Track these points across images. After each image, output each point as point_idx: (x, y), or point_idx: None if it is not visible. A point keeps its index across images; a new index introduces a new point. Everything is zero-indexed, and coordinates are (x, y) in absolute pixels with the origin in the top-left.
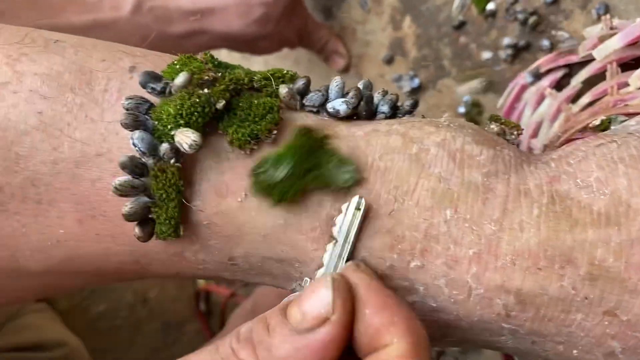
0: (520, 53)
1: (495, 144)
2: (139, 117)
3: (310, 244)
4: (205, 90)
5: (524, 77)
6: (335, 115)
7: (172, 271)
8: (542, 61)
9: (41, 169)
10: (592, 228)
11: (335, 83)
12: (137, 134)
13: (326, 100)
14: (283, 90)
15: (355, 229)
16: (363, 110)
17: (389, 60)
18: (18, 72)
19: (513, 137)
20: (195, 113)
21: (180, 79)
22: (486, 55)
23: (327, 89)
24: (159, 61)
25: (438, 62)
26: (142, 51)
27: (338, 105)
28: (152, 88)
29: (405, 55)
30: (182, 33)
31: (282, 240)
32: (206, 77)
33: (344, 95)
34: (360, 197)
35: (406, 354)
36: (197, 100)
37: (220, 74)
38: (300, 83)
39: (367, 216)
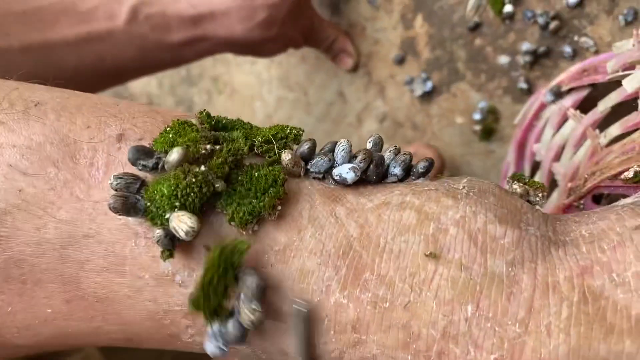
0: (539, 59)
1: (519, 218)
2: (129, 198)
3: (317, 337)
4: (202, 168)
5: (544, 94)
6: (342, 183)
7: (169, 348)
8: (564, 78)
9: (25, 250)
10: (629, 338)
11: (341, 147)
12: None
13: (332, 165)
14: (286, 157)
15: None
16: (373, 174)
17: (400, 61)
18: None
19: (538, 199)
20: (192, 194)
21: (174, 155)
22: (503, 59)
23: (332, 150)
24: (150, 125)
25: (452, 65)
26: (130, 111)
27: (345, 172)
28: (143, 165)
29: (417, 56)
30: (182, 41)
31: (288, 333)
32: (202, 151)
33: (351, 159)
34: (300, 306)
35: None
36: (194, 179)
37: (217, 146)
38: (304, 147)
39: (379, 306)
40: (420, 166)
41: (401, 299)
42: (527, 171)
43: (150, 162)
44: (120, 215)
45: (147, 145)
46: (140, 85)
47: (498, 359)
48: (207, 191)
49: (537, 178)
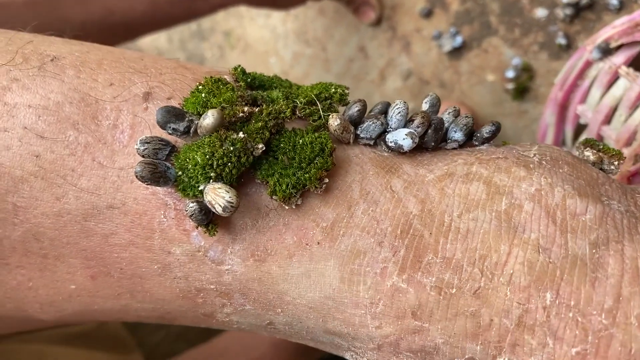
0: (581, 12)
1: (599, 191)
2: (158, 166)
3: (371, 320)
4: (240, 134)
5: (590, 51)
6: (397, 150)
7: (202, 325)
8: (614, 33)
9: (44, 222)
10: None
11: (397, 109)
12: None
13: (385, 130)
14: (334, 122)
15: None
16: (432, 140)
17: (428, 14)
18: (9, 104)
19: (613, 168)
20: (229, 164)
21: (209, 119)
22: (540, 12)
23: (384, 112)
24: (179, 83)
25: (484, 18)
26: (157, 67)
27: (401, 138)
28: (174, 129)
29: (446, 9)
30: None
31: (333, 314)
32: (240, 114)
33: (407, 123)
34: None
35: None
36: (232, 147)
37: (256, 108)
38: (354, 109)
39: (445, 292)
40: (486, 130)
41: (470, 284)
42: (569, 135)
43: (181, 126)
44: (147, 184)
45: (177, 106)
46: (149, 41)
47: (581, 353)
48: (246, 161)
49: None
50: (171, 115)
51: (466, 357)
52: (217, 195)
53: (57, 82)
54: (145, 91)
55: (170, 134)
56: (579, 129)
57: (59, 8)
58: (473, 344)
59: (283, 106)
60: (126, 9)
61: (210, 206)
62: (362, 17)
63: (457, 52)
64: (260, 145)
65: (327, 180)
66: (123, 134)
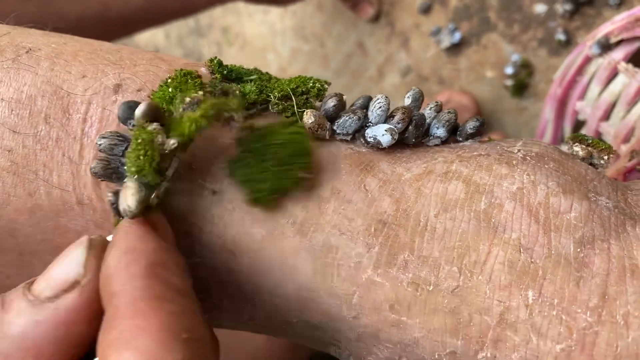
0: (581, 8)
1: (586, 187)
2: (110, 162)
3: (347, 310)
4: (153, 126)
5: (589, 46)
6: (376, 146)
7: None
8: (614, 29)
9: (17, 219)
10: None
11: (378, 104)
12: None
13: (363, 124)
14: (309, 119)
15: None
16: (412, 136)
17: (426, 10)
18: None
19: (602, 162)
20: (140, 157)
21: (138, 110)
22: (540, 8)
23: (363, 107)
24: (152, 75)
25: (482, 14)
26: (132, 58)
27: (380, 134)
28: (134, 125)
29: (445, 5)
30: None
31: (309, 305)
32: (188, 99)
33: (387, 118)
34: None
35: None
36: (139, 140)
37: (218, 92)
38: (329, 105)
39: (422, 288)
40: (470, 126)
41: (448, 282)
42: (567, 131)
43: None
44: (101, 180)
45: (139, 101)
46: (147, 37)
47: (565, 350)
48: (153, 155)
49: None
50: (132, 111)
51: (447, 351)
52: (124, 195)
53: (30, 74)
54: (116, 83)
55: (130, 129)
56: (578, 125)
57: (55, 3)
58: (454, 339)
59: (231, 101)
60: (122, 4)
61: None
62: (360, 13)
63: (455, 48)
64: (172, 141)
65: (306, 180)
66: (92, 127)
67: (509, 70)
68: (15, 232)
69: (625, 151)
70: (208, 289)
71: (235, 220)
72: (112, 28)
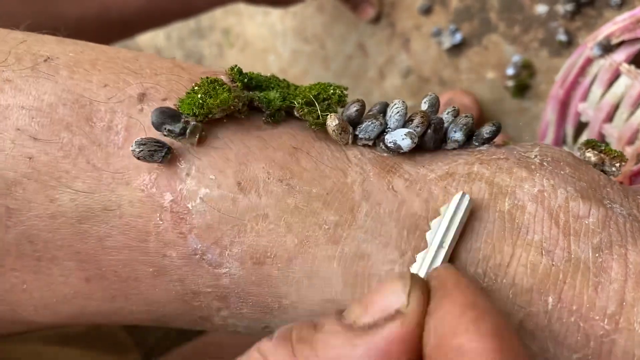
0: (582, 8)
1: (601, 193)
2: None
3: None
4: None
5: (591, 47)
6: (396, 151)
7: (199, 328)
8: (616, 30)
9: (37, 224)
10: None
11: (395, 109)
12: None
13: (384, 130)
14: (332, 122)
15: (454, 231)
16: (431, 140)
17: (427, 11)
18: (1, 105)
19: (614, 169)
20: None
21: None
22: (541, 8)
23: (382, 112)
24: (175, 84)
25: (483, 15)
26: (152, 67)
27: (400, 139)
28: (169, 130)
29: (446, 5)
30: None
31: None
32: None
33: (405, 123)
34: (464, 194)
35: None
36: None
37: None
38: (352, 109)
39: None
40: (486, 130)
41: None
42: (569, 133)
43: (176, 127)
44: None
45: (173, 107)
46: (147, 38)
47: (582, 359)
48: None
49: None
50: (166, 117)
51: None
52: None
53: (50, 83)
54: (140, 92)
55: (165, 135)
56: (580, 127)
57: (54, 4)
58: None
59: (277, 104)
60: (122, 5)
61: None
62: (361, 14)
63: (456, 49)
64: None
65: None
66: (118, 135)
67: (510, 71)
68: (35, 237)
69: (630, 154)
70: (228, 296)
71: (269, 229)
72: (112, 29)
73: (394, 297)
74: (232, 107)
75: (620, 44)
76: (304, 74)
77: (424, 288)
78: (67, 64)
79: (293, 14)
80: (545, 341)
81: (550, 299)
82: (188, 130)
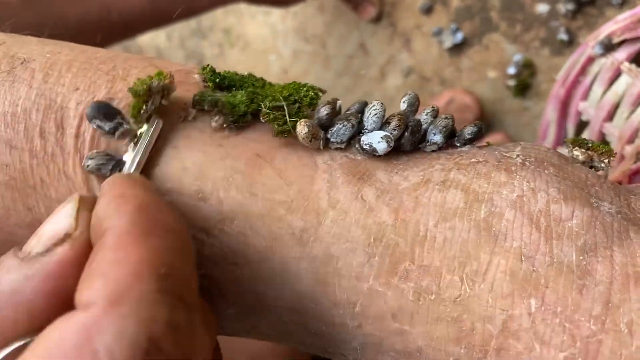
0: (583, 7)
1: (588, 192)
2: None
3: (350, 320)
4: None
5: (592, 46)
6: (372, 154)
7: None
8: (617, 29)
9: (18, 232)
10: None
11: (373, 111)
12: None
13: (359, 131)
14: (302, 130)
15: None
16: (408, 143)
17: (428, 10)
18: None
19: (603, 165)
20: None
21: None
22: (542, 7)
23: (357, 113)
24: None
25: (484, 14)
26: (125, 67)
27: (376, 142)
28: (98, 126)
29: (446, 5)
30: None
31: (313, 314)
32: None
33: (382, 125)
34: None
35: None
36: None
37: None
38: (322, 113)
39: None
40: (468, 132)
41: (450, 291)
42: (570, 132)
43: (107, 125)
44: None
45: (114, 106)
46: (148, 39)
47: (569, 358)
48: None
49: None
50: (99, 113)
51: (451, 359)
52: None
53: (25, 87)
54: (109, 97)
55: (94, 129)
56: (581, 125)
57: (56, 6)
58: (457, 348)
59: (241, 109)
60: (124, 7)
61: None
62: (362, 14)
63: (457, 49)
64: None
65: None
66: (84, 144)
67: (511, 70)
68: (16, 244)
69: (630, 152)
70: (211, 299)
71: (236, 232)
72: (113, 31)
73: (63, 220)
74: (170, 83)
75: (622, 42)
76: (305, 73)
77: (93, 206)
78: (43, 66)
79: (294, 13)
80: (530, 341)
81: (532, 302)
82: (118, 132)
